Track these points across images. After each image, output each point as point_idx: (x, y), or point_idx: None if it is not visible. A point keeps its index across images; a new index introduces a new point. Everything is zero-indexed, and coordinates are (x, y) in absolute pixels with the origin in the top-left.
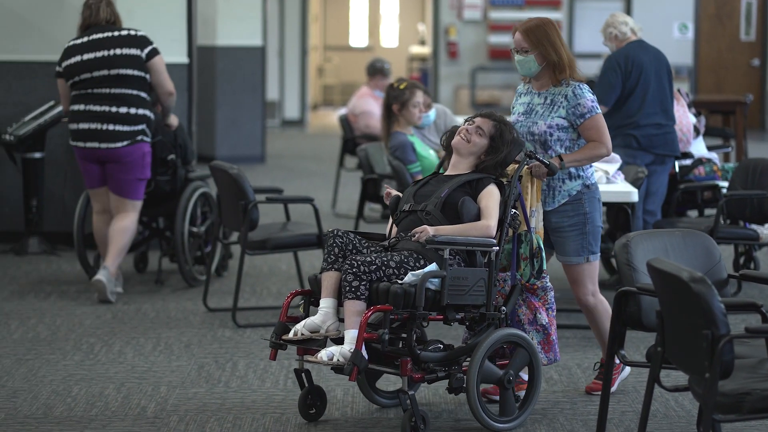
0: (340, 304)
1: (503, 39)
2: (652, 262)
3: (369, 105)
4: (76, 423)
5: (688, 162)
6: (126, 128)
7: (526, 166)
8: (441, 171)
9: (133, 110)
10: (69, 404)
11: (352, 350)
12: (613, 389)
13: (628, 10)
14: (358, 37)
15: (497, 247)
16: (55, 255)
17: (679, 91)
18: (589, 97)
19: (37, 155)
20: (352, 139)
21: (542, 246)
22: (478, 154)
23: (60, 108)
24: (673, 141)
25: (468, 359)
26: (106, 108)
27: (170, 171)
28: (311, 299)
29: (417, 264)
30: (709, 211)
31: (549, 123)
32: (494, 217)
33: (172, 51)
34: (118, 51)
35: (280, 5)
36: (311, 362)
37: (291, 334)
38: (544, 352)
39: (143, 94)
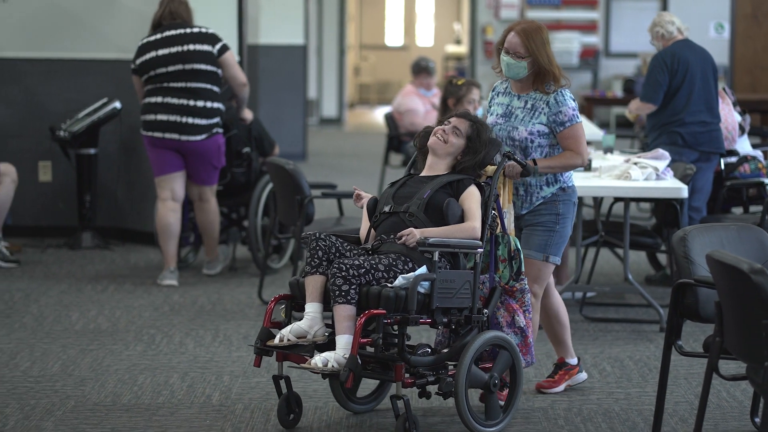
0: (325, 309)
1: None
2: (712, 254)
3: (414, 103)
4: (144, 410)
5: (733, 159)
6: (203, 122)
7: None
8: (411, 172)
9: (208, 104)
10: (136, 392)
11: (346, 356)
12: (560, 388)
13: (665, 10)
14: (394, 37)
15: (482, 249)
16: (108, 249)
17: (724, 89)
18: (570, 105)
19: (91, 151)
20: (397, 137)
21: (520, 247)
22: (455, 154)
23: (112, 105)
24: (718, 138)
25: (453, 363)
26: (183, 101)
27: (245, 163)
28: (293, 304)
29: (406, 267)
30: (754, 208)
31: (530, 129)
32: (479, 219)
33: None
34: (191, 47)
35: (318, 5)
36: (303, 368)
37: (276, 340)
38: (522, 354)
39: (216, 88)
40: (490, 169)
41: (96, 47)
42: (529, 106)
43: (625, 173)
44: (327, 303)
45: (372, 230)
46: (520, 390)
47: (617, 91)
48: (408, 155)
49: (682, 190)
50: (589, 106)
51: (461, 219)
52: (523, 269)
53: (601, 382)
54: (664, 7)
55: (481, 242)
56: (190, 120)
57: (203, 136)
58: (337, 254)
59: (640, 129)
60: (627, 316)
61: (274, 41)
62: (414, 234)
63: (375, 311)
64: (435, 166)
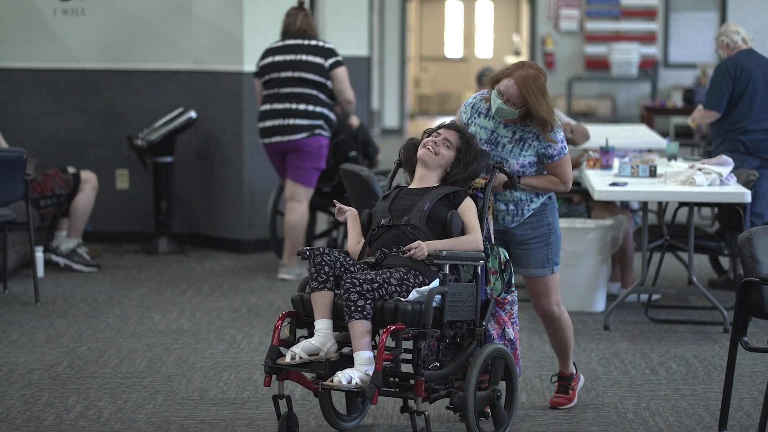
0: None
1: (599, 49)
2: None
3: None
4: (230, 404)
5: None
6: (305, 122)
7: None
8: (397, 185)
9: (311, 107)
10: (221, 387)
11: (368, 372)
12: (573, 404)
13: (723, 21)
14: (454, 48)
15: (483, 261)
16: (184, 255)
17: None
18: (559, 138)
19: (167, 160)
20: None
21: (509, 259)
22: (445, 166)
23: (188, 115)
24: None
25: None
26: (287, 105)
27: None
28: (297, 321)
29: (417, 280)
30: None
31: (521, 162)
32: (479, 230)
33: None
34: (304, 57)
35: (380, 17)
36: (328, 387)
37: (288, 358)
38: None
39: (322, 96)
40: (478, 180)
41: (172, 58)
42: (517, 137)
43: (690, 179)
44: (334, 319)
45: (368, 244)
46: (517, 401)
47: (677, 100)
48: None
49: (746, 195)
50: (649, 115)
51: (462, 231)
52: (513, 281)
53: (667, 380)
54: (723, 18)
55: (484, 254)
56: (292, 121)
57: (304, 135)
58: (342, 269)
59: (700, 138)
60: (691, 318)
61: (340, 52)
62: (422, 247)
63: (395, 326)
64: (426, 178)
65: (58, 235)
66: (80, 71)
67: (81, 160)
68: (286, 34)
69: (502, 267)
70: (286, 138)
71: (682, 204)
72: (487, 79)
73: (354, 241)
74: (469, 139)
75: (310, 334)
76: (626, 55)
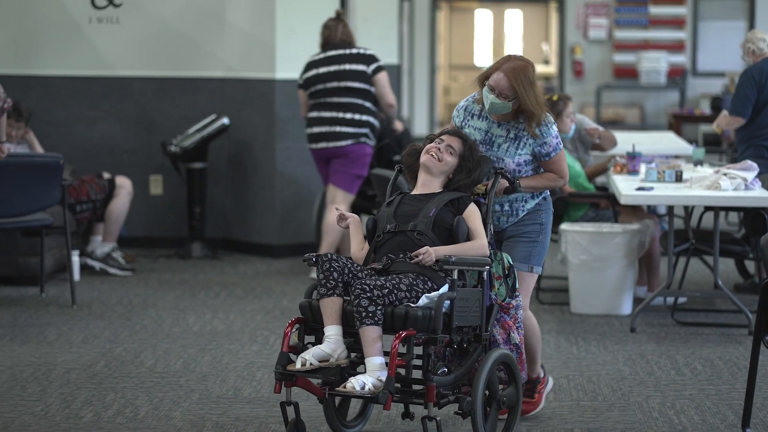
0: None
1: (628, 58)
2: None
3: None
4: (264, 402)
5: None
6: (351, 130)
7: (489, 183)
8: (399, 191)
9: (357, 116)
10: (255, 387)
11: (381, 378)
12: (540, 408)
13: (752, 29)
14: (483, 57)
15: (489, 267)
16: (217, 259)
17: None
18: (553, 134)
19: (200, 165)
20: None
21: (513, 264)
22: (448, 173)
23: (221, 121)
24: None
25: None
26: (334, 114)
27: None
28: (305, 327)
29: (425, 286)
30: None
31: (517, 161)
32: (485, 236)
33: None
34: (347, 66)
35: (410, 25)
36: (341, 393)
37: (299, 364)
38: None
39: (368, 104)
40: (479, 186)
41: (205, 66)
42: (512, 135)
43: (715, 183)
44: (346, 325)
45: (373, 250)
46: (520, 405)
47: (705, 108)
48: None
49: None
50: (677, 123)
51: (468, 237)
52: (517, 285)
53: (692, 380)
54: (751, 26)
55: (490, 260)
56: (338, 128)
57: (349, 142)
58: (350, 275)
59: (728, 146)
60: (716, 321)
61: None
62: (430, 253)
63: (407, 332)
64: (429, 184)
65: (94, 240)
66: (115, 78)
67: (116, 166)
68: (326, 45)
69: (506, 272)
70: (331, 144)
71: (707, 208)
72: (476, 79)
73: (357, 248)
74: (471, 145)
75: (318, 341)
76: (655, 64)
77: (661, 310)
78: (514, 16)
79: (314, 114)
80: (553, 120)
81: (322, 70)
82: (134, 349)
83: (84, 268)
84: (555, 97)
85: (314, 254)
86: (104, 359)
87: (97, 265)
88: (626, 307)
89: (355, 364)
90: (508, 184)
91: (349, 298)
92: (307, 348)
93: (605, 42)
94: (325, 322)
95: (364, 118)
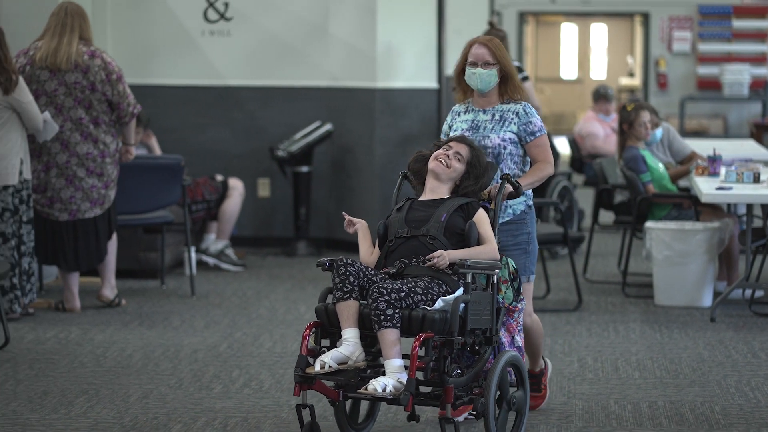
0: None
1: (711, 70)
2: None
3: (594, 127)
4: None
5: None
6: None
7: (493, 187)
8: (407, 197)
9: None
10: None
11: (401, 380)
12: (547, 399)
13: None
14: (569, 70)
15: (499, 270)
16: (322, 257)
17: None
18: (537, 116)
19: (305, 169)
20: (579, 159)
21: (517, 268)
22: (455, 179)
23: (325, 128)
24: None
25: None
26: None
27: None
28: (321, 331)
29: (441, 289)
30: None
31: (502, 136)
32: (494, 240)
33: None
34: None
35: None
36: (362, 395)
37: (317, 367)
38: None
39: None
40: (483, 192)
41: (310, 75)
42: (497, 117)
43: None
44: (364, 328)
45: (385, 255)
46: (527, 407)
47: None
48: (588, 175)
49: None
50: (759, 132)
51: (479, 242)
52: (522, 289)
53: (709, 362)
54: None
55: (500, 263)
56: None
57: None
58: (365, 279)
59: None
60: None
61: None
62: (444, 256)
63: (425, 334)
64: (437, 190)
65: (207, 238)
66: (224, 88)
67: (225, 170)
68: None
69: (512, 276)
70: None
71: None
72: (454, 78)
73: (366, 252)
74: (478, 152)
75: (333, 344)
76: (737, 76)
77: (739, 303)
78: (599, 30)
79: None
80: (537, 104)
81: None
82: (253, 333)
83: (198, 263)
84: (629, 108)
85: (328, 259)
86: (227, 342)
87: (211, 260)
88: (707, 300)
89: (369, 366)
90: (512, 189)
91: (365, 302)
92: (324, 351)
93: (689, 55)
94: (342, 325)
95: None
